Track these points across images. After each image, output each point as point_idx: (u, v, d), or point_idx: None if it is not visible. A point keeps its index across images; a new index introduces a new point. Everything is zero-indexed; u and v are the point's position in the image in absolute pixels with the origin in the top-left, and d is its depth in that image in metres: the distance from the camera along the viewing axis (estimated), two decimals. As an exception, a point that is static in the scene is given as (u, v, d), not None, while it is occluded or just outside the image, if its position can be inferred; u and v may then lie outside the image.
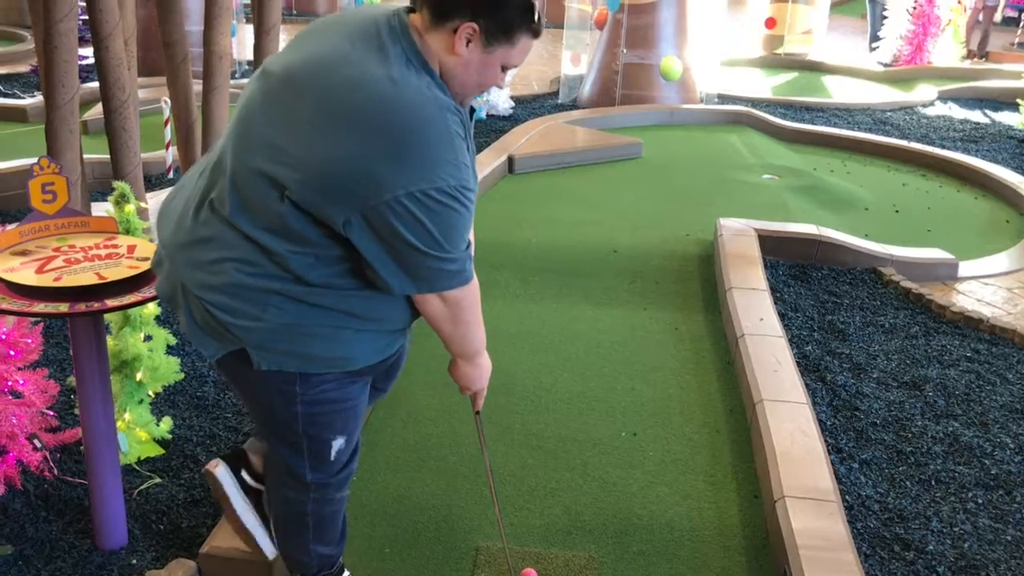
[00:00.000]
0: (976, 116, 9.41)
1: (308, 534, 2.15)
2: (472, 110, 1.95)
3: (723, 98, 9.56)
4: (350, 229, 1.69)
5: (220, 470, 2.19)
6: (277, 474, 2.11)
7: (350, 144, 1.63)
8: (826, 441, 3.07)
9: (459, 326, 1.89)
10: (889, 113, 9.37)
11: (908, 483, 2.98)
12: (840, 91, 10.80)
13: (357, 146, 1.63)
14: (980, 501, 2.90)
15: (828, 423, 3.29)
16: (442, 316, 1.86)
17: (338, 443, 2.03)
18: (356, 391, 2.00)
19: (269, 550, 2.25)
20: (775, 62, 12.52)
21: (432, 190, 1.65)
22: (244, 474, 2.22)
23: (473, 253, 2.12)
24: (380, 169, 1.63)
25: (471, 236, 2.11)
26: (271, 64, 1.79)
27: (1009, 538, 2.73)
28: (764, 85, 11.04)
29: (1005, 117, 9.31)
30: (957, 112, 9.60)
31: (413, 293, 1.81)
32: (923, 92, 10.46)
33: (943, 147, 7.75)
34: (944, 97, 10.30)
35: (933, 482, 2.99)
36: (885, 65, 12.30)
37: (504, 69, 1.80)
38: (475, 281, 1.86)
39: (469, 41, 1.72)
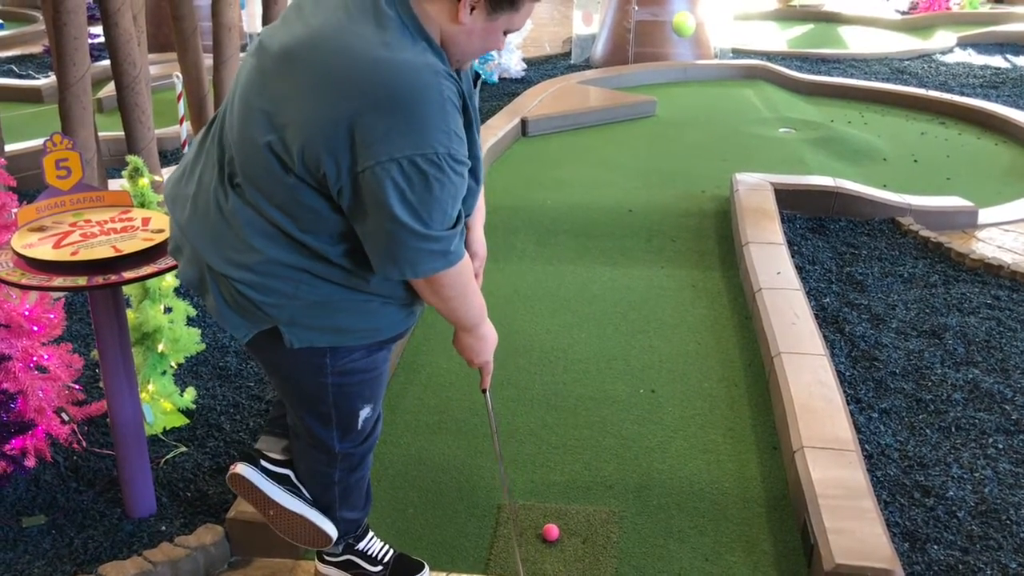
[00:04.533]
0: (997, 61, 9.25)
1: (336, 502, 2.18)
2: (478, 76, 1.93)
3: (737, 52, 9.44)
4: (342, 199, 1.67)
5: (243, 468, 2.11)
6: (304, 446, 2.12)
7: (341, 108, 1.61)
8: (845, 392, 3.07)
9: (447, 302, 1.85)
10: (907, 62, 9.22)
11: (928, 431, 2.98)
12: (857, 41, 10.64)
13: (348, 110, 1.61)
14: (1001, 447, 2.90)
15: (847, 374, 3.29)
16: (428, 295, 1.84)
17: (365, 412, 2.04)
18: (382, 359, 2.01)
19: (330, 528, 2.17)
20: (790, 14, 12.34)
21: (418, 157, 1.61)
22: (265, 463, 2.16)
23: (479, 223, 2.09)
24: (368, 133, 1.60)
25: (480, 205, 2.09)
26: (268, 39, 1.76)
27: (1030, 482, 2.74)
28: (779, 38, 10.90)
29: (1026, 61, 9.15)
30: (977, 58, 9.44)
31: (396, 277, 1.77)
32: (942, 39, 10.28)
33: (963, 94, 7.63)
34: (964, 43, 10.12)
35: (953, 429, 2.99)
36: (903, 13, 12.10)
37: (506, 33, 1.78)
38: (465, 259, 1.81)
39: (473, 8, 1.67)
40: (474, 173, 1.80)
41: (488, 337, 2.02)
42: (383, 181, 1.61)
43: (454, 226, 1.74)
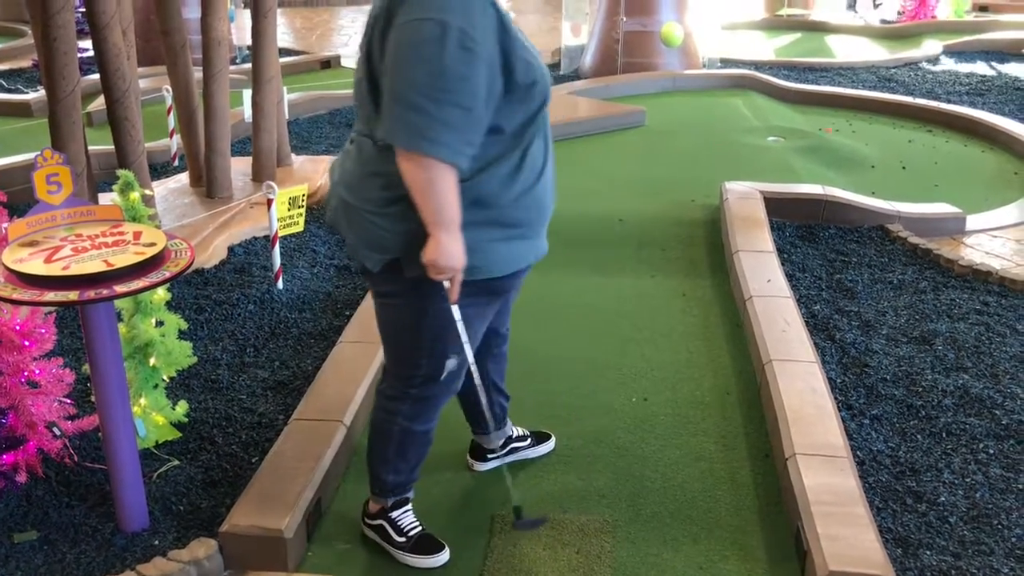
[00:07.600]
0: (982, 69, 9.33)
1: (392, 449, 2.42)
2: None
3: (725, 62, 9.49)
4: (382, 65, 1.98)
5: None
6: (388, 385, 2.40)
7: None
8: (836, 398, 3.09)
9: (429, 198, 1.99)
10: (894, 70, 9.29)
11: (919, 436, 2.99)
12: (843, 50, 10.71)
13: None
14: (991, 451, 2.92)
15: (838, 381, 3.30)
16: (412, 174, 1.98)
17: (451, 363, 2.29)
18: (482, 309, 2.27)
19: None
20: (777, 24, 12.42)
21: (430, 20, 1.87)
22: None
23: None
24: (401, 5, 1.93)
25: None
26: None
27: (1021, 486, 2.74)
28: (766, 47, 10.96)
29: (1012, 69, 9.22)
30: (963, 66, 9.51)
31: (394, 142, 1.95)
32: (928, 47, 10.36)
33: (949, 102, 7.69)
34: (949, 51, 10.20)
35: (944, 435, 3.00)
36: (887, 22, 12.19)
37: None
38: (452, 171, 1.96)
39: None
40: (527, 72, 2.14)
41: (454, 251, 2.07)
42: (401, 39, 1.88)
43: (471, 125, 1.94)
